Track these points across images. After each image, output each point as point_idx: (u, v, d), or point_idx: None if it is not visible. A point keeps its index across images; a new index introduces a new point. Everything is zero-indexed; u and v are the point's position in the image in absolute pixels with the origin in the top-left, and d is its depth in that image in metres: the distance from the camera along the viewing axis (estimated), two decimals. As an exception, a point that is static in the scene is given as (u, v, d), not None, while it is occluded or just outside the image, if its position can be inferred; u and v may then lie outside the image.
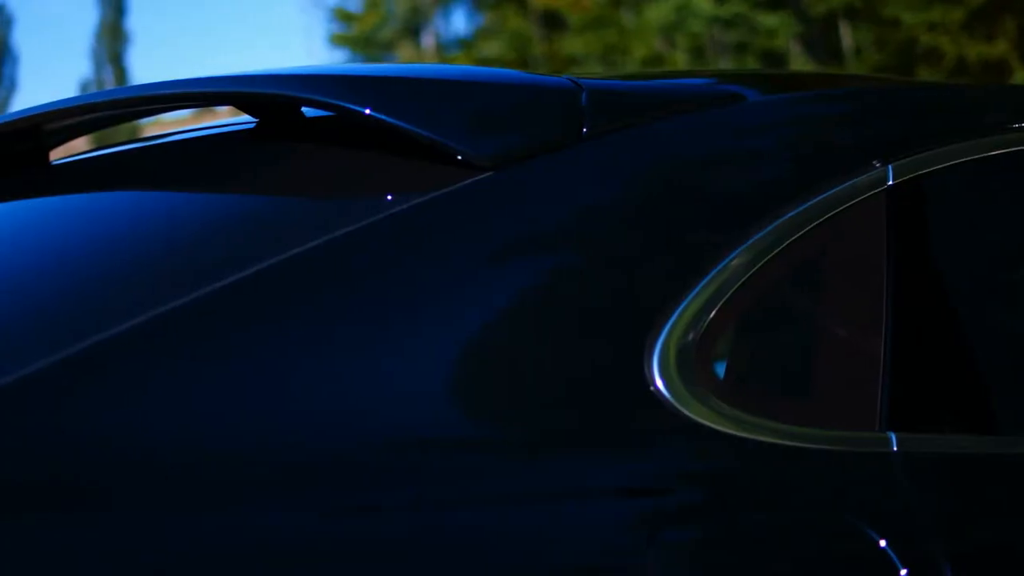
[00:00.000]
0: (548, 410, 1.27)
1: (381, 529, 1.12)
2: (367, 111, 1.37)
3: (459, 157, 1.35)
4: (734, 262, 1.40)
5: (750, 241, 1.42)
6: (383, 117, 1.37)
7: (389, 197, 1.33)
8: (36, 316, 1.24)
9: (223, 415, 1.12)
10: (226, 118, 1.91)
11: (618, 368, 1.31)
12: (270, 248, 1.24)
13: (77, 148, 2.14)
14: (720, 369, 1.46)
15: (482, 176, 1.35)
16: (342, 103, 1.40)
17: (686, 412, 1.31)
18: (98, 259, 1.36)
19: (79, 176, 1.81)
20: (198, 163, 1.64)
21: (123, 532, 1.02)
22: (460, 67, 1.59)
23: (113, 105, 1.64)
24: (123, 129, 2.40)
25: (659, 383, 1.30)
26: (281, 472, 1.10)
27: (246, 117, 1.71)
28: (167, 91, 1.54)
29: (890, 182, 1.54)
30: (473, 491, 1.18)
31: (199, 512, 1.06)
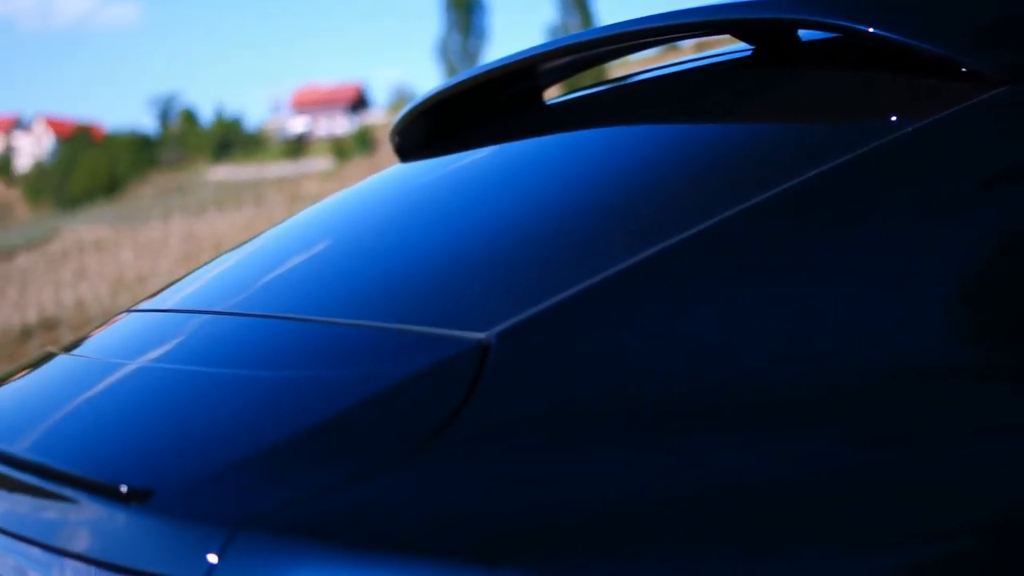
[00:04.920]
0: None
1: (891, 458, 1.08)
2: (871, 29, 1.32)
3: (969, 72, 1.28)
4: None
5: None
6: (887, 34, 1.31)
7: (894, 118, 1.28)
8: (559, 243, 1.29)
9: (752, 343, 1.12)
10: (689, 55, 1.90)
11: None
12: (775, 177, 1.22)
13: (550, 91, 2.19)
14: None
15: (996, 91, 1.26)
16: (845, 23, 1.35)
17: None
18: (604, 190, 1.39)
19: (578, 113, 1.84)
20: (695, 94, 1.64)
21: (665, 454, 1.03)
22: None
23: (609, 41, 1.66)
24: (588, 74, 2.43)
25: None
26: (802, 401, 1.08)
27: (734, 47, 1.69)
28: (660, 23, 1.54)
29: None
30: (979, 419, 1.11)
31: (727, 436, 1.05)
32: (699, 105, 1.58)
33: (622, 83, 1.92)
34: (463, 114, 2.00)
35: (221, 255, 1.94)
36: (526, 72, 1.91)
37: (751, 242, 1.18)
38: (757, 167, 1.29)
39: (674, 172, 1.36)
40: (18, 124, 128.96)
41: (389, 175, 1.94)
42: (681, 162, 1.39)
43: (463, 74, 1.90)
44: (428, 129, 2.04)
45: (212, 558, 0.94)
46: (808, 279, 1.16)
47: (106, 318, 1.85)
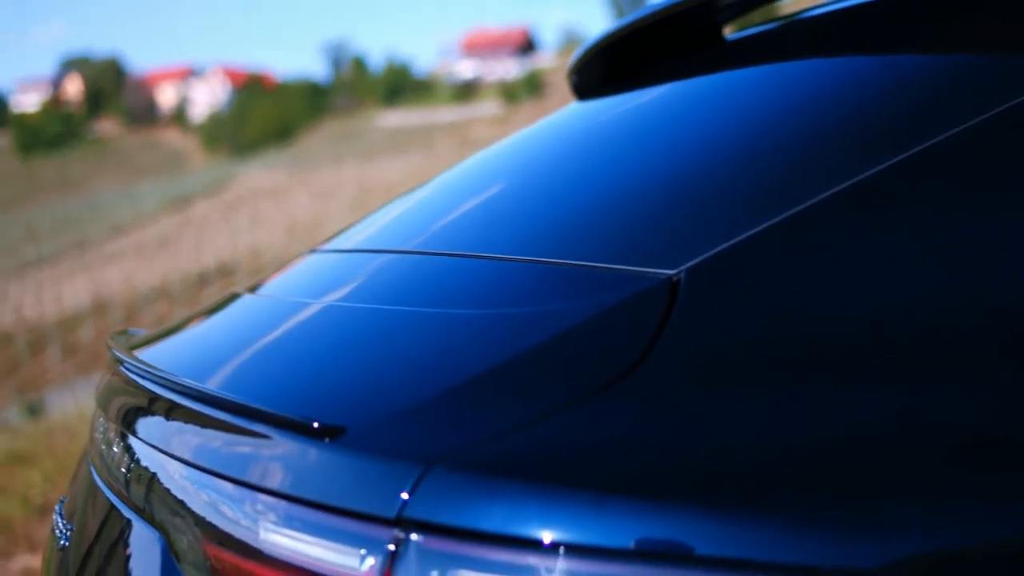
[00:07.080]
0: None
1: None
2: None
3: None
4: None
5: None
6: None
7: None
8: (740, 181, 1.26)
9: (938, 286, 1.08)
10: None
11: None
12: (963, 112, 1.18)
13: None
14: None
15: None
16: None
17: None
18: (783, 128, 1.36)
19: (754, 50, 1.80)
20: (873, 29, 1.58)
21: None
22: None
23: None
24: (763, 11, 2.36)
25: None
26: (983, 347, 1.04)
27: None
28: None
29: None
30: None
31: (914, 380, 1.01)
32: (879, 40, 1.52)
33: (798, 19, 1.87)
34: (641, 52, 1.98)
35: (397, 198, 1.95)
36: (702, 9, 1.87)
37: (934, 183, 1.15)
38: (942, 102, 1.24)
39: (853, 109, 1.32)
40: (193, 74, 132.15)
41: (566, 114, 1.93)
42: (859, 99, 1.34)
43: (641, 11, 1.87)
44: (606, 68, 2.02)
45: (405, 494, 0.95)
46: (995, 219, 1.12)
47: (281, 264, 1.87)
